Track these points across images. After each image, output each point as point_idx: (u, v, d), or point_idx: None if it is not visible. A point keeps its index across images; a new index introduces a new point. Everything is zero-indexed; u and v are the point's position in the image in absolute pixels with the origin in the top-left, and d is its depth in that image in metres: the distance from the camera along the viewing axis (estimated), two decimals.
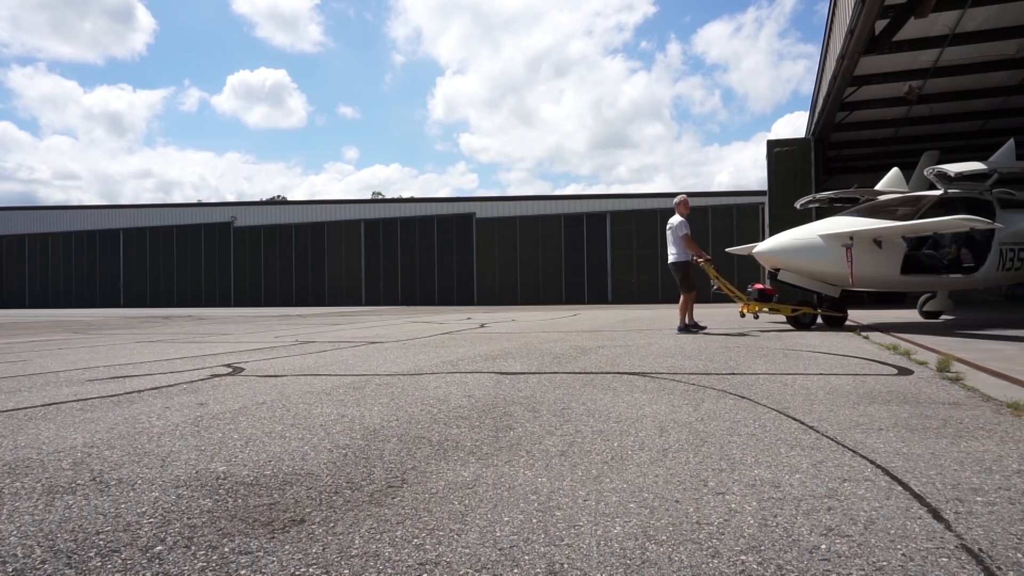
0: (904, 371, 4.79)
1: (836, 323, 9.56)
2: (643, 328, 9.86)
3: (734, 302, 10.07)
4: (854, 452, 2.54)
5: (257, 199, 62.38)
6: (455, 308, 24.96)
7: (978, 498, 1.99)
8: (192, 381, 4.78)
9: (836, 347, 6.65)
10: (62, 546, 1.70)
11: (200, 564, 1.58)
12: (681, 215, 9.36)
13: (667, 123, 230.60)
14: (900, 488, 2.09)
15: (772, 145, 18.19)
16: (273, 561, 1.60)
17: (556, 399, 3.81)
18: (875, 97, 16.12)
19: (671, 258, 9.32)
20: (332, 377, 4.92)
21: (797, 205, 12.20)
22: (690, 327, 8.95)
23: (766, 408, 3.45)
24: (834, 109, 15.76)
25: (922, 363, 5.19)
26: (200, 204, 40.74)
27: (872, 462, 2.39)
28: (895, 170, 12.18)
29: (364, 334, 9.93)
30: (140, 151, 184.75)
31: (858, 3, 10.16)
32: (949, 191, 9.58)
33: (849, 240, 8.79)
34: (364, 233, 33.77)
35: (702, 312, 13.41)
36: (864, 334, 8.30)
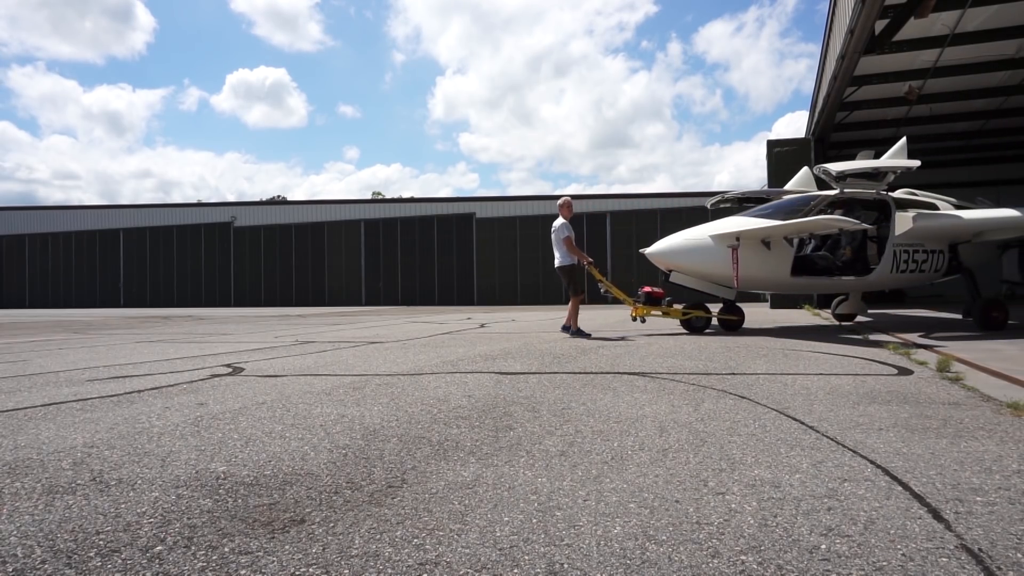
0: (904, 371, 4.79)
1: (732, 327, 9.18)
2: (643, 328, 9.85)
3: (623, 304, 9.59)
4: (854, 452, 2.54)
5: (257, 199, 62.40)
6: (455, 308, 24.96)
7: (978, 498, 1.99)
8: (192, 381, 4.78)
9: (836, 347, 6.66)
10: (62, 546, 1.70)
11: (200, 564, 1.59)
12: (564, 218, 8.98)
13: (668, 123, 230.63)
14: (900, 488, 2.09)
15: (772, 145, 18.20)
16: (273, 561, 1.60)
17: (556, 399, 3.81)
18: (875, 97, 16.12)
19: (557, 262, 8.93)
20: (332, 377, 4.93)
21: (708, 205, 11.95)
22: (574, 331, 8.64)
23: (766, 408, 3.45)
24: (834, 109, 15.76)
25: (922, 363, 5.19)
26: (200, 204, 40.72)
27: (872, 462, 2.39)
28: (804, 169, 11.92)
29: (364, 334, 9.93)
30: (140, 151, 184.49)
31: (858, 3, 10.16)
32: (845, 191, 9.30)
33: (735, 241, 8.54)
34: (364, 233, 33.75)
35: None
36: (864, 334, 8.30)
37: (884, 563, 1.54)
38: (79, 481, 2.27)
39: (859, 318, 11.57)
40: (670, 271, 9.18)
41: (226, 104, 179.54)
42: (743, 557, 1.59)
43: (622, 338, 8.14)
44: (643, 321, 9.37)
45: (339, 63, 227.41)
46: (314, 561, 1.60)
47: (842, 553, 1.60)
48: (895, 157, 10.33)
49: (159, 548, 1.68)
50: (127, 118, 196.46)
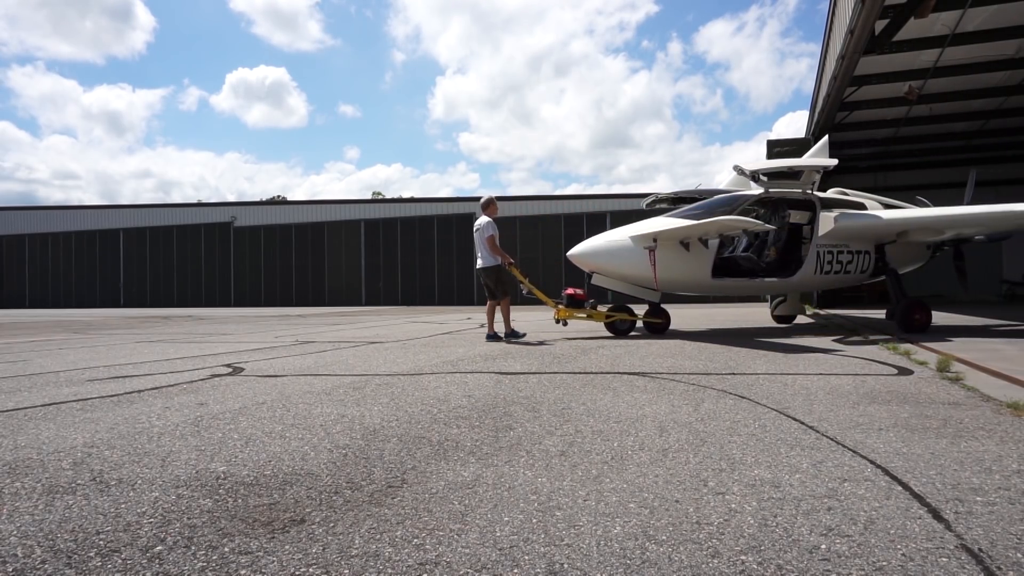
0: (904, 371, 4.79)
1: (656, 330, 8.95)
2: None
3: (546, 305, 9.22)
4: (854, 452, 2.54)
5: (257, 199, 62.38)
6: (455, 308, 24.94)
7: (978, 498, 1.99)
8: (192, 381, 4.78)
9: (836, 347, 6.66)
10: (62, 546, 1.70)
11: (200, 564, 1.59)
12: (489, 216, 8.55)
13: (668, 123, 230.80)
14: (900, 488, 2.09)
15: (772, 145, 18.21)
16: (273, 561, 1.60)
17: (556, 399, 3.81)
18: (875, 97, 16.13)
19: (480, 263, 8.54)
20: (332, 377, 4.93)
21: (643, 205, 11.76)
22: (492, 334, 8.31)
23: (766, 408, 3.45)
24: (834, 109, 15.77)
25: (922, 363, 5.19)
26: (200, 204, 40.71)
27: (872, 462, 2.39)
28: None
29: (364, 334, 9.93)
30: (140, 151, 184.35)
31: (858, 3, 10.16)
32: (770, 190, 9.13)
33: (652, 242, 8.38)
34: (364, 233, 33.74)
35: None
36: (864, 334, 8.30)
37: (884, 563, 1.54)
38: (79, 481, 2.27)
39: (798, 319, 11.39)
40: (593, 273, 8.97)
41: (226, 104, 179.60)
42: (743, 557, 1.59)
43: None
44: (565, 324, 9.06)
45: (339, 62, 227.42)
46: (314, 561, 1.60)
47: (842, 553, 1.60)
48: (816, 156, 10.20)
49: (159, 548, 1.68)
50: (127, 118, 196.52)
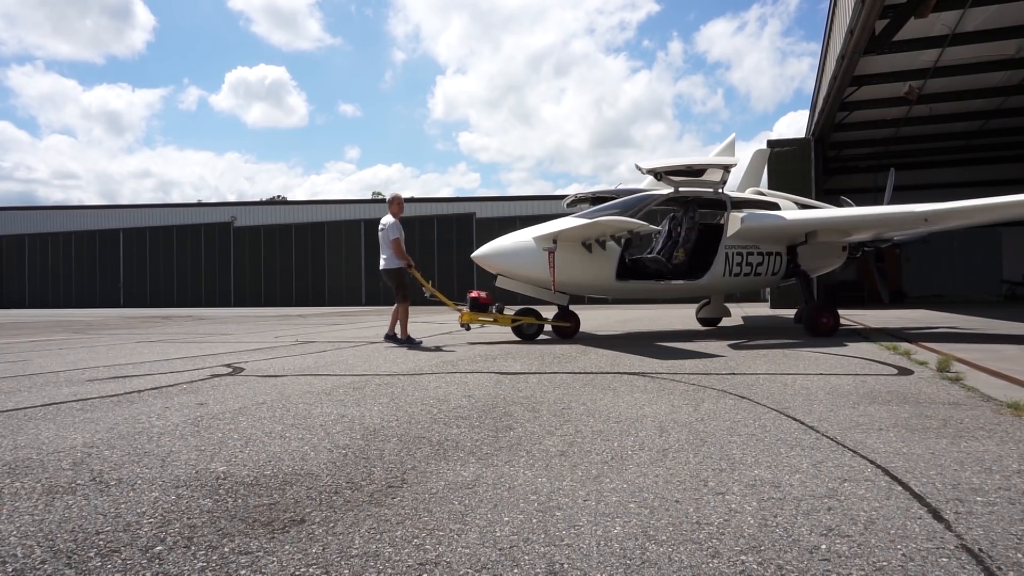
0: (904, 371, 4.79)
1: (565, 334, 8.61)
2: (642, 328, 9.86)
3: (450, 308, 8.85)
4: (854, 452, 2.54)
5: (257, 199, 62.36)
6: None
7: (978, 498, 1.99)
8: (192, 381, 4.78)
9: (836, 347, 6.66)
10: (62, 546, 1.70)
11: (200, 564, 1.59)
12: (393, 216, 8.21)
13: (669, 122, 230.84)
14: (900, 488, 2.09)
15: (772, 145, 18.21)
16: (273, 561, 1.60)
17: (556, 399, 3.81)
18: (875, 97, 16.15)
19: (383, 264, 8.20)
20: (332, 377, 4.93)
21: (564, 204, 11.53)
22: (405, 341, 7.93)
23: (766, 408, 3.45)
24: (834, 109, 15.79)
25: (922, 363, 5.19)
26: (200, 204, 40.71)
27: (872, 462, 2.39)
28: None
29: (364, 334, 9.94)
30: (139, 151, 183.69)
31: (858, 3, 10.18)
32: (680, 189, 8.93)
33: (552, 243, 8.03)
34: (364, 233, 33.75)
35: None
36: (864, 334, 8.30)
37: (884, 563, 1.54)
38: (79, 481, 2.27)
39: (724, 321, 11.26)
40: (498, 275, 8.65)
41: (225, 103, 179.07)
42: (743, 557, 1.59)
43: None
44: (468, 328, 8.75)
45: (339, 61, 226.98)
46: (314, 561, 1.60)
47: (842, 553, 1.60)
48: (723, 154, 10.03)
49: (159, 548, 1.68)
50: (127, 118, 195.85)
